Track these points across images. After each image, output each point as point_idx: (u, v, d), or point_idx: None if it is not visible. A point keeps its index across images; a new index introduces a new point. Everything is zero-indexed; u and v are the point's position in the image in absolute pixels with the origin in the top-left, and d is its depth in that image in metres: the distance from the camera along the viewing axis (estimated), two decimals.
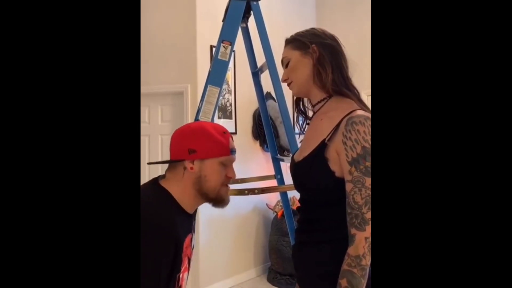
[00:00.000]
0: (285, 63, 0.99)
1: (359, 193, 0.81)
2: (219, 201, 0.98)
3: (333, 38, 0.97)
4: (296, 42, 0.97)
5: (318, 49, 0.94)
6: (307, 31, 0.99)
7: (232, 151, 0.97)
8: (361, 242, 0.80)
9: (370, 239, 0.80)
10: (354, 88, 0.94)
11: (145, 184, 0.99)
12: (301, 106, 1.05)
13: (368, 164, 0.80)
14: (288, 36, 1.02)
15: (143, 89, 2.89)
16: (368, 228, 0.80)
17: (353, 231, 0.81)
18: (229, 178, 0.98)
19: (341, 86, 0.92)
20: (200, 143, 0.93)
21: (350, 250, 0.81)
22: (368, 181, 0.80)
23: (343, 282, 0.80)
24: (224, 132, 0.97)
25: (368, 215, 0.80)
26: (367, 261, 0.80)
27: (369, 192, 0.80)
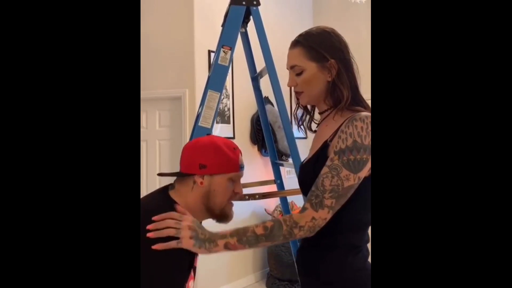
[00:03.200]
0: (298, 72, 0.92)
1: (330, 179, 0.80)
2: (223, 217, 0.99)
3: (347, 47, 0.92)
4: (313, 52, 0.90)
5: (337, 66, 0.89)
6: (322, 36, 0.91)
7: (241, 167, 0.99)
8: (307, 217, 0.79)
9: (316, 222, 0.79)
10: (365, 102, 0.91)
11: (154, 193, 0.99)
12: (305, 108, 1.02)
13: (353, 158, 0.79)
14: (289, 39, 0.95)
15: (141, 94, 2.88)
16: (321, 212, 0.79)
17: (306, 205, 0.81)
18: (236, 193, 1.00)
19: (353, 104, 0.89)
20: (210, 159, 0.94)
21: (295, 216, 0.81)
22: (344, 173, 0.79)
23: (268, 223, 0.81)
24: (234, 148, 0.99)
25: (327, 202, 0.79)
26: (297, 234, 0.79)
27: (340, 183, 0.79)
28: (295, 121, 1.07)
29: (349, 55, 0.92)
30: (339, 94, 0.90)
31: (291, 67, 0.94)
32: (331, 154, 0.82)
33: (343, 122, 0.86)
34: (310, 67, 0.91)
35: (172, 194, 0.97)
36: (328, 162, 0.82)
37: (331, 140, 0.87)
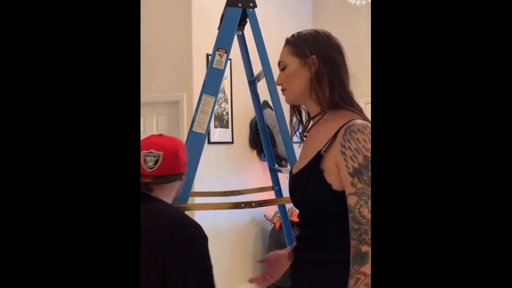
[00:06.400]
0: (282, 67, 0.94)
1: (366, 206, 0.74)
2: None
3: (337, 47, 0.90)
4: (296, 47, 0.90)
5: (318, 62, 0.88)
6: (310, 35, 0.91)
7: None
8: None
9: None
10: (356, 103, 0.88)
11: (157, 206, 1.07)
12: (297, 113, 0.99)
13: (371, 174, 0.75)
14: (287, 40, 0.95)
15: None
16: None
17: (364, 248, 0.74)
18: None
19: (341, 102, 0.87)
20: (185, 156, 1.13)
21: (366, 269, 0.73)
22: None
23: None
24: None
25: None
26: None
27: None
28: (296, 136, 1.04)
29: (336, 54, 0.89)
30: (319, 92, 0.87)
31: (278, 64, 0.95)
32: (348, 178, 0.77)
33: (338, 130, 0.82)
34: (292, 62, 0.91)
35: (159, 195, 1.06)
36: (351, 189, 0.77)
37: (325, 151, 0.83)
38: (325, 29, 0.94)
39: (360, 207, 0.75)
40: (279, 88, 1.49)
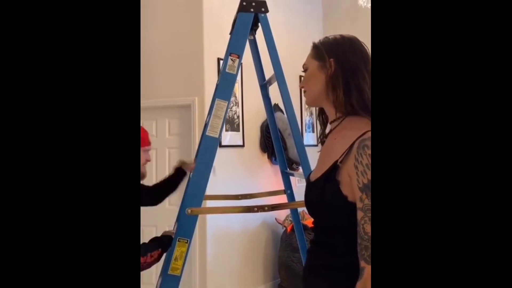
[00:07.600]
0: (304, 69, 0.96)
1: (370, 223, 0.74)
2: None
3: (361, 54, 0.88)
4: (317, 50, 0.92)
5: (334, 65, 0.87)
6: (334, 39, 0.92)
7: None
8: (369, 278, 0.73)
9: None
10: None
11: None
12: (323, 116, 0.99)
13: None
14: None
15: (151, 102, 2.88)
16: None
17: (362, 264, 0.75)
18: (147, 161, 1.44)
19: (358, 108, 0.85)
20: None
21: (358, 285, 0.74)
22: None
23: None
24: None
25: None
26: None
27: None
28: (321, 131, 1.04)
29: (358, 60, 0.87)
30: (333, 95, 0.88)
31: (303, 67, 0.97)
32: (358, 192, 0.77)
33: (354, 141, 0.81)
34: (312, 65, 0.93)
35: None
36: (359, 204, 0.77)
37: (341, 161, 0.82)
38: (354, 36, 0.93)
39: (364, 223, 0.75)
40: (291, 91, 1.51)
